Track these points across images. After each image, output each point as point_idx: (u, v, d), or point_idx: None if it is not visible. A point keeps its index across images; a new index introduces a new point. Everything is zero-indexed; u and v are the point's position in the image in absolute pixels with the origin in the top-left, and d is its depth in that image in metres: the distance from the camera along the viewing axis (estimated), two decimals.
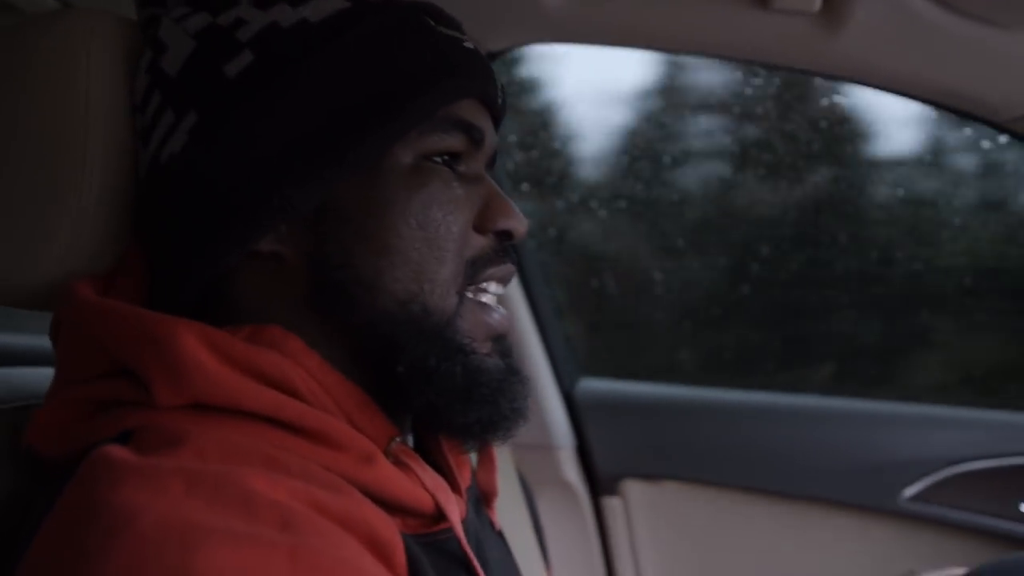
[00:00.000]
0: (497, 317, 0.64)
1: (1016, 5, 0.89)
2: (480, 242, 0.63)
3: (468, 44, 0.64)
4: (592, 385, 1.56)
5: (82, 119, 0.61)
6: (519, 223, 0.64)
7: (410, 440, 0.66)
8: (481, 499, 0.74)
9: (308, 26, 0.60)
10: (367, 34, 0.60)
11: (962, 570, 1.00)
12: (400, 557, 0.52)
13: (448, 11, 0.66)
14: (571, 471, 1.47)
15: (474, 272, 0.62)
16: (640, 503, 1.47)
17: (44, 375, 0.67)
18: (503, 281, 0.65)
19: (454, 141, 0.62)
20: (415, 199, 0.60)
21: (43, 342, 0.63)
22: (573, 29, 1.06)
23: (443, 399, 0.59)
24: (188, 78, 0.60)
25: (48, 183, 0.61)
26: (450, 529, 0.60)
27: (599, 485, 1.49)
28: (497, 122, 0.68)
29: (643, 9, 1.01)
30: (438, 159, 0.62)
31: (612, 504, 1.48)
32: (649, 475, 1.47)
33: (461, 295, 0.62)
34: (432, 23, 0.63)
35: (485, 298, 0.64)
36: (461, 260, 0.62)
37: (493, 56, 1.16)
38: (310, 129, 0.58)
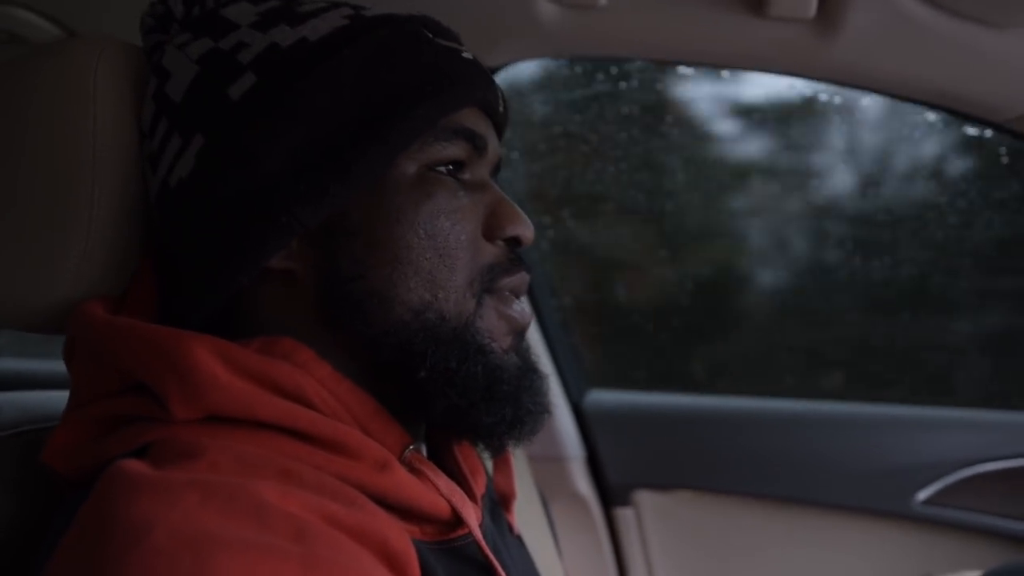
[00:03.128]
0: (519, 310, 0.64)
1: (1010, 5, 0.89)
2: (492, 250, 0.64)
3: (466, 54, 0.65)
4: (601, 397, 1.56)
5: (91, 145, 0.62)
6: (527, 229, 0.65)
7: (423, 449, 0.67)
8: (498, 503, 0.74)
9: (307, 45, 0.61)
10: (365, 49, 0.61)
11: (977, 573, 1.00)
12: (414, 569, 0.52)
13: (429, 16, 0.67)
14: (582, 482, 1.47)
15: (492, 278, 0.63)
16: (652, 513, 1.46)
17: (58, 398, 0.68)
18: (521, 291, 0.66)
19: (457, 150, 0.62)
20: (422, 209, 0.60)
21: (55, 366, 0.64)
22: (571, 43, 1.07)
23: (466, 400, 0.60)
24: (193, 103, 0.61)
25: (58, 209, 0.62)
26: (468, 535, 0.60)
27: (610, 496, 1.48)
28: (500, 130, 0.69)
29: (640, 20, 1.02)
30: (442, 169, 0.62)
31: (624, 515, 1.48)
32: (660, 485, 1.46)
33: (479, 299, 0.62)
34: (430, 35, 0.64)
35: (510, 309, 0.64)
36: (475, 266, 0.62)
37: (492, 72, 1.16)
38: (314, 146, 0.59)
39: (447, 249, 0.61)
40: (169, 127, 0.62)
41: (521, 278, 0.65)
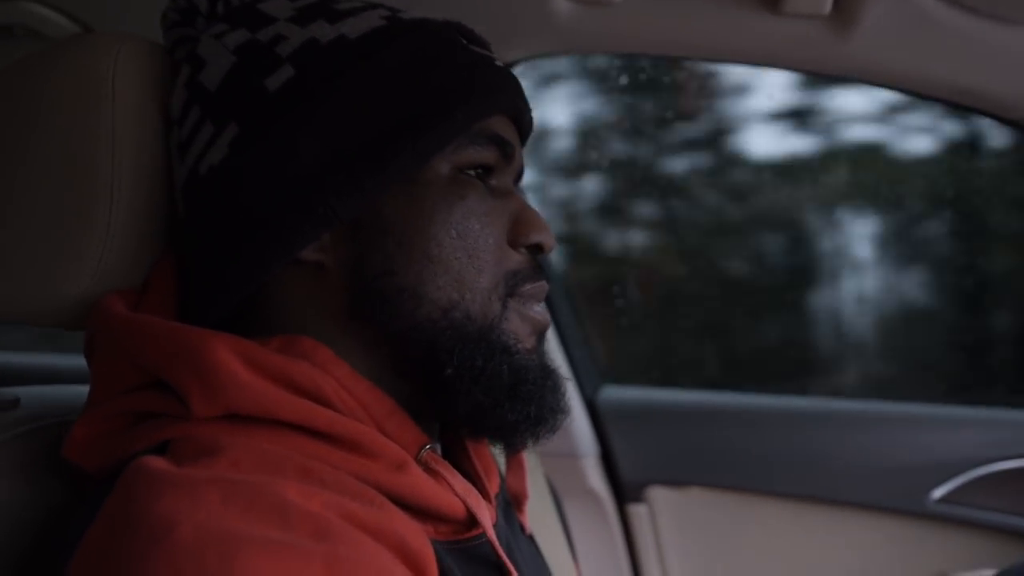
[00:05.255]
0: (539, 311, 0.65)
1: None
2: (516, 256, 0.64)
3: (499, 62, 0.66)
4: (614, 393, 1.56)
5: (109, 140, 0.63)
6: (549, 237, 0.66)
7: (438, 448, 0.67)
8: (511, 504, 0.74)
9: (346, 42, 0.62)
10: (404, 51, 0.62)
11: (992, 571, 1.00)
12: (432, 568, 0.53)
13: (462, 23, 0.68)
14: (596, 479, 1.47)
15: (515, 284, 0.63)
16: (666, 510, 1.46)
17: (77, 392, 0.68)
18: (541, 299, 0.67)
19: (488, 155, 0.63)
20: (455, 210, 0.61)
21: (76, 361, 0.65)
22: (583, 37, 1.07)
23: (491, 398, 0.60)
24: (228, 91, 0.62)
25: (77, 205, 0.63)
26: (482, 535, 0.61)
27: (624, 492, 1.48)
28: (524, 138, 0.70)
29: (654, 16, 1.02)
30: (472, 172, 0.63)
31: (638, 511, 1.47)
32: (674, 481, 1.46)
33: (504, 303, 0.63)
34: (464, 42, 0.65)
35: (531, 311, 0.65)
36: (500, 271, 0.63)
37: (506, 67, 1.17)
38: (351, 141, 0.60)
39: (476, 251, 0.61)
40: (201, 115, 0.62)
41: (542, 287, 0.66)
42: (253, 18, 0.64)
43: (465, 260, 0.61)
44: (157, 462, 0.51)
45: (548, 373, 0.64)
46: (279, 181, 0.59)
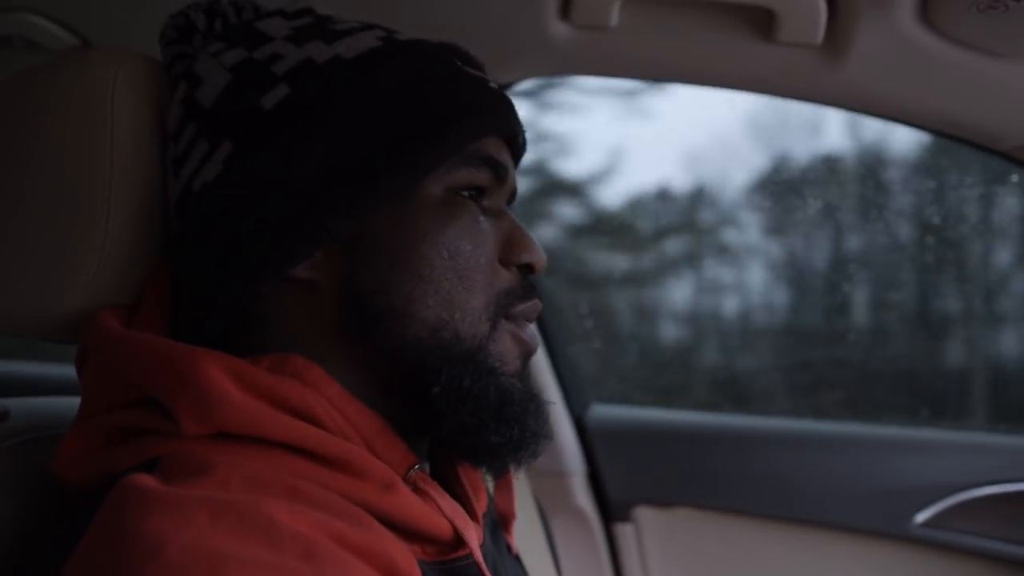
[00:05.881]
0: (530, 334, 0.66)
1: (1015, 36, 0.90)
2: (507, 275, 0.65)
3: (493, 84, 0.67)
4: (603, 411, 1.56)
5: (107, 156, 0.63)
6: (540, 257, 0.66)
7: (427, 468, 0.67)
8: (498, 523, 0.74)
9: (342, 62, 0.62)
10: (400, 71, 0.63)
11: None
12: None
13: (458, 44, 0.69)
14: (583, 497, 1.47)
15: (507, 304, 0.64)
16: (652, 530, 1.46)
17: (68, 404, 0.68)
18: (533, 317, 0.67)
19: (481, 176, 0.64)
20: (447, 230, 0.62)
21: (67, 371, 0.65)
22: (581, 61, 1.08)
23: (476, 418, 0.61)
24: (224, 109, 0.62)
25: (74, 218, 0.63)
26: (468, 555, 0.61)
27: (611, 511, 1.48)
28: (517, 159, 0.70)
29: (650, 41, 1.03)
30: (465, 193, 0.63)
31: (624, 531, 1.48)
32: (661, 501, 1.46)
33: (494, 323, 0.63)
34: (459, 64, 0.66)
35: (523, 332, 0.66)
36: (492, 291, 0.63)
37: (503, 88, 1.17)
38: (346, 159, 0.60)
39: (467, 271, 0.62)
40: (197, 132, 0.62)
41: (534, 305, 0.66)
42: (250, 37, 0.65)
43: (455, 281, 0.61)
44: (146, 480, 0.51)
45: (531, 397, 0.64)
46: (273, 199, 0.60)
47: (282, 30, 0.65)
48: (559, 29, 1.01)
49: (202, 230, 0.62)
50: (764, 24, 0.97)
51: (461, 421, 0.60)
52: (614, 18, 0.98)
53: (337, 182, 0.60)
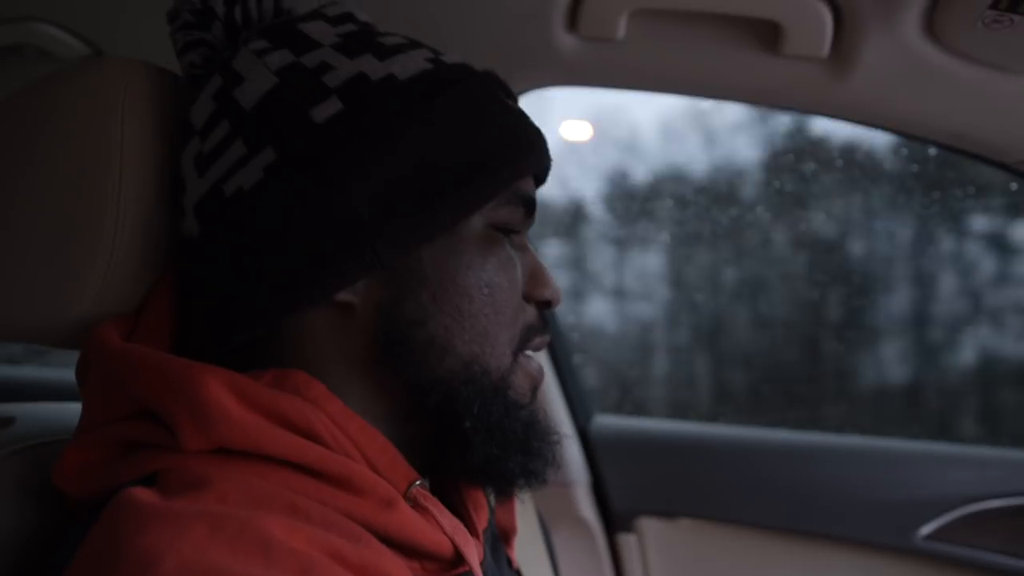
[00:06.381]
0: (536, 367, 0.67)
1: (1021, 51, 0.90)
2: (531, 310, 0.66)
3: (531, 120, 0.67)
4: (607, 421, 1.56)
5: (116, 166, 0.63)
6: (558, 294, 0.67)
7: (427, 484, 0.67)
8: (499, 538, 0.74)
9: (397, 83, 0.61)
10: (457, 100, 0.62)
11: None
12: None
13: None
14: (586, 508, 1.47)
15: (528, 337, 0.65)
16: (655, 540, 1.46)
17: (74, 411, 0.68)
18: (541, 349, 0.68)
19: (518, 213, 0.64)
20: (488, 265, 0.62)
21: (74, 377, 0.65)
22: (587, 72, 1.08)
23: (504, 451, 0.61)
24: (267, 114, 0.60)
25: (81, 227, 0.63)
26: (468, 573, 0.61)
27: (614, 522, 1.48)
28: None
29: (657, 53, 1.03)
30: (499, 229, 0.64)
31: (627, 541, 1.47)
32: (664, 512, 1.46)
33: (515, 355, 0.64)
34: (502, 95, 0.66)
35: (531, 367, 0.66)
36: (519, 325, 0.64)
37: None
38: (406, 187, 0.59)
39: (502, 306, 0.62)
40: (232, 131, 0.60)
41: (545, 339, 0.67)
42: (296, 39, 0.63)
43: (492, 316, 0.62)
44: (144, 494, 0.51)
45: (552, 430, 0.65)
46: (325, 219, 0.58)
47: (328, 36, 0.63)
48: (566, 41, 1.02)
49: (232, 238, 0.60)
50: (771, 37, 0.97)
51: (488, 453, 0.61)
52: (621, 30, 0.98)
53: (396, 209, 0.59)
